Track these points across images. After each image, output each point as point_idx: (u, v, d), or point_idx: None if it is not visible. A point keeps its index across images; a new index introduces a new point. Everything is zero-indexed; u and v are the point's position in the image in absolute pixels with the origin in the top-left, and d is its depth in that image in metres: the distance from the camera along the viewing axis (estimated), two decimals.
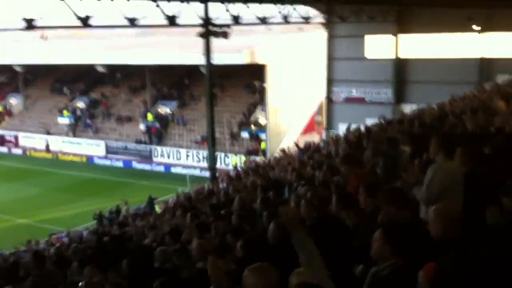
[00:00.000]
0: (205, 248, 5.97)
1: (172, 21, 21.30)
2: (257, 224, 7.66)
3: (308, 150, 17.81)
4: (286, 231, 4.18)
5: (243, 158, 38.61)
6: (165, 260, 7.05)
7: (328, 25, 37.47)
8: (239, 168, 21.41)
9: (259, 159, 31.00)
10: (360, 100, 38.76)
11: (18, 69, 53.21)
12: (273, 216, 7.08)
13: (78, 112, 51.48)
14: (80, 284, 8.29)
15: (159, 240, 9.49)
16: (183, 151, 42.55)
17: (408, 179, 6.31)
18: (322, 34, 39.05)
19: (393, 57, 37.27)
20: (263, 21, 27.07)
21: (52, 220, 30.12)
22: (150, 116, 46.94)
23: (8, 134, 51.98)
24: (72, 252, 10.90)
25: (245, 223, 7.69)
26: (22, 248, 19.00)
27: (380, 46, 37.55)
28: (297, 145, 19.10)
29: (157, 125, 46.16)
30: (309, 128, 43.56)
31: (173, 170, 41.02)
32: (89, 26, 19.27)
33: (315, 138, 33.29)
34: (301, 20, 30.91)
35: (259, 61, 40.14)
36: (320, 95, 41.69)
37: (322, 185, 8.44)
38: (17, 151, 49.77)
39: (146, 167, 42.47)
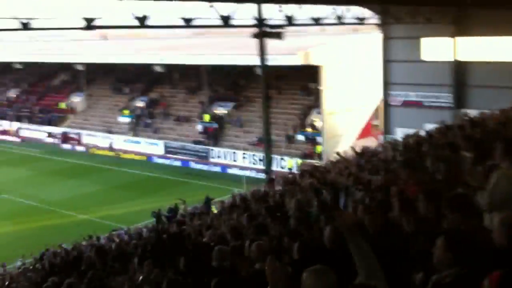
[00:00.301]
0: (264, 249, 6.03)
1: (226, 21, 21.54)
2: (314, 227, 7.65)
3: (364, 155, 17.59)
4: (342, 235, 4.18)
5: (299, 161, 38.53)
6: (222, 259, 7.14)
7: (383, 26, 36.83)
8: (295, 171, 21.36)
9: (314, 162, 30.84)
10: (418, 104, 37.86)
11: (79, 67, 54.70)
12: (330, 219, 7.07)
13: (138, 112, 52.74)
14: (139, 278, 8.56)
15: (217, 240, 9.61)
16: (239, 152, 42.86)
17: (472, 185, 6.18)
18: (377, 36, 38.47)
19: (452, 59, 36.20)
20: (317, 21, 26.87)
21: (112, 217, 31.03)
22: (207, 117, 47.54)
23: (72, 132, 53.89)
24: (133, 248, 11.21)
25: (302, 225, 7.71)
26: (84, 242, 19.63)
27: (438, 48, 36.52)
28: (353, 149, 18.89)
29: (214, 125, 46.71)
30: (366, 132, 42.97)
31: (230, 171, 41.42)
32: (146, 26, 19.82)
33: (372, 142, 32.80)
34: (355, 21, 30.54)
35: (314, 62, 39.93)
36: (376, 98, 41.08)
37: (380, 190, 8.35)
38: (80, 148, 51.50)
39: (204, 167, 43.08)
